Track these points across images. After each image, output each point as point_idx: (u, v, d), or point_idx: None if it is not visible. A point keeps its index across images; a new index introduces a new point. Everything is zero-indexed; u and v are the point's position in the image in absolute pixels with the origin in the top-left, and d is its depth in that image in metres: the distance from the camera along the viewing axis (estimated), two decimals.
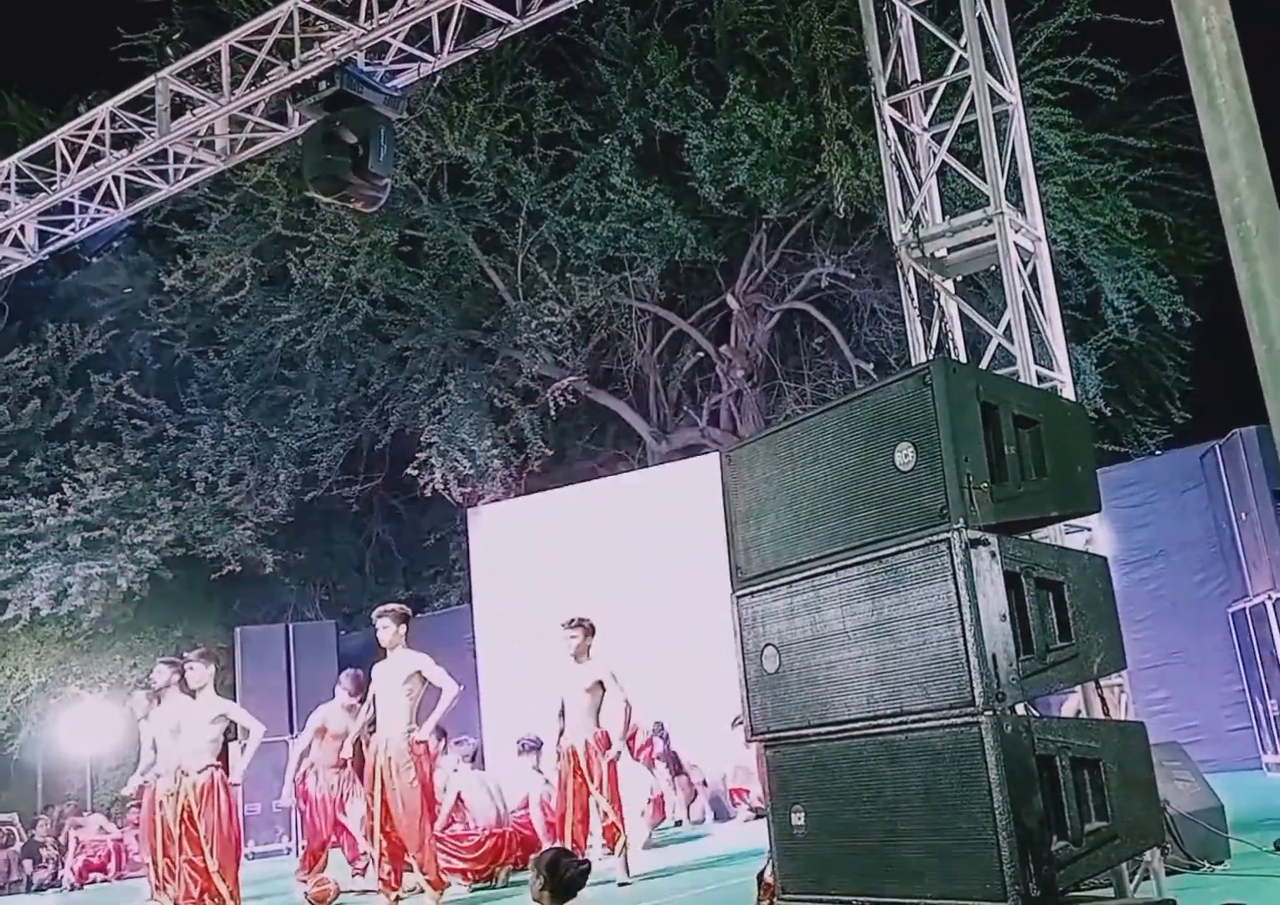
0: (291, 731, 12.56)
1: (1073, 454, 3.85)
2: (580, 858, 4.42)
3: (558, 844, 6.75)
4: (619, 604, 11.07)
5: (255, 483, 14.46)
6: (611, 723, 7.59)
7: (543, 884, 4.09)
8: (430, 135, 12.43)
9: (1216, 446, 9.81)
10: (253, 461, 14.48)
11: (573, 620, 7.59)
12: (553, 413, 13.70)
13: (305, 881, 8.13)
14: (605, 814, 7.32)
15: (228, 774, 7.63)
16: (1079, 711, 4.75)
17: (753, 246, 13.85)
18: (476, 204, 13.25)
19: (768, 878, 5.30)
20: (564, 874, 4.11)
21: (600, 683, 7.50)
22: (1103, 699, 4.33)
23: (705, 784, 11.15)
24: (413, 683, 7.04)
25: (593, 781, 7.31)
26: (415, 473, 13.64)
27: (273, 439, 14.42)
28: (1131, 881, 4.30)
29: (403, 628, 7.15)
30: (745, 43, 12.05)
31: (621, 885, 7.10)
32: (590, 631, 7.59)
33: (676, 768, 11.03)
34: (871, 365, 13.32)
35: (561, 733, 7.53)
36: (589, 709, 7.49)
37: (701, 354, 14.56)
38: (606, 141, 12.30)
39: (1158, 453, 12.74)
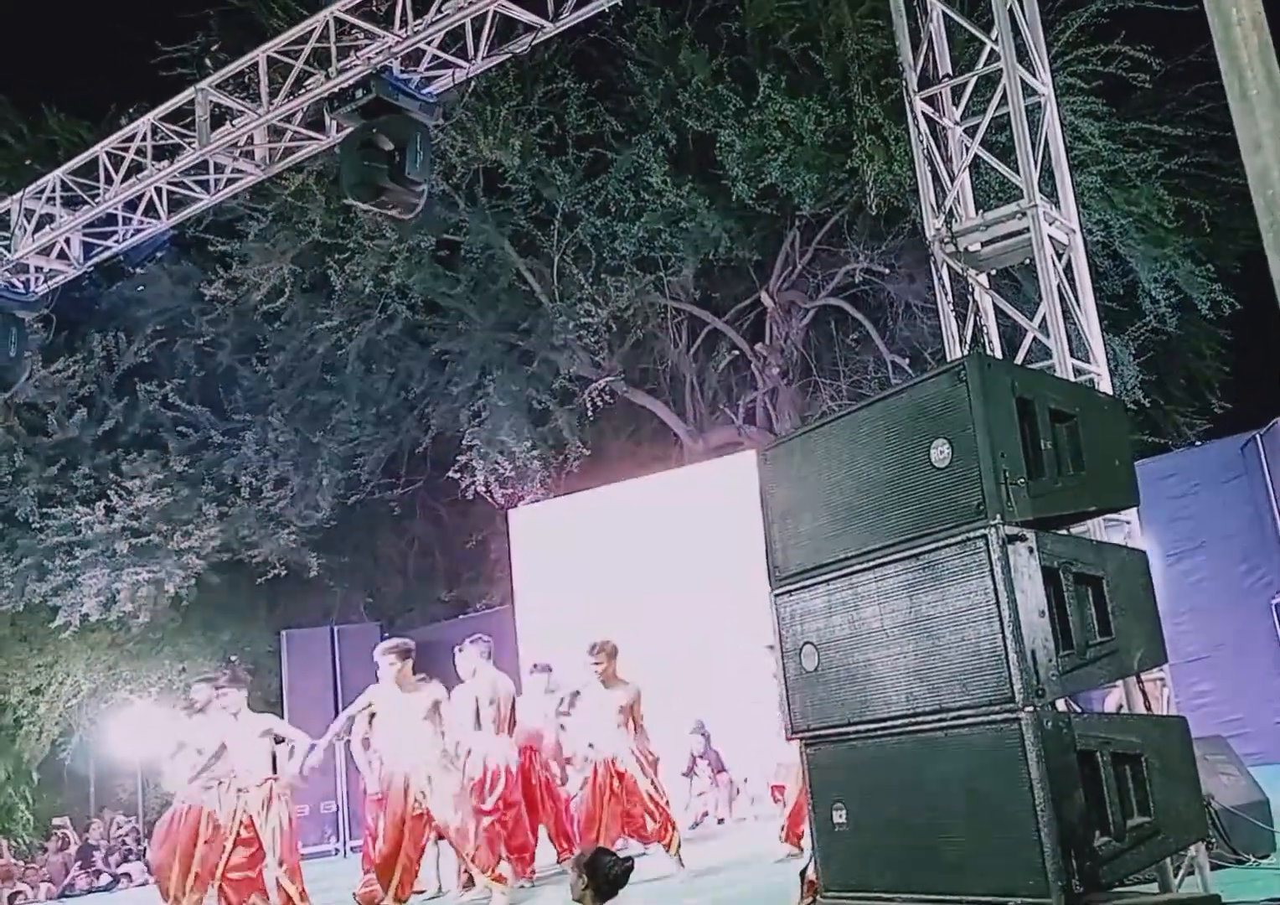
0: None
1: (1110, 448, 3.84)
2: (624, 857, 4.43)
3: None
4: (657, 601, 11.12)
5: (299, 487, 14.61)
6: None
7: (585, 883, 4.05)
8: (465, 140, 12.51)
9: (1257, 436, 9.70)
10: (296, 466, 14.62)
11: (594, 646, 7.64)
12: (590, 413, 13.75)
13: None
14: (654, 814, 7.42)
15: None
16: (1121, 707, 4.73)
17: (786, 243, 13.83)
18: (512, 207, 13.32)
19: (810, 875, 5.31)
20: (607, 873, 4.06)
21: (630, 706, 7.60)
22: (1144, 693, 4.31)
23: (746, 781, 11.15)
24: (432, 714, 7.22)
25: (641, 785, 7.41)
26: (456, 475, 13.75)
27: (315, 444, 14.56)
28: (1176, 876, 4.28)
29: (408, 663, 7.29)
30: (776, 39, 12.03)
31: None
32: (613, 654, 7.66)
33: (718, 766, 11.05)
34: (907, 360, 13.26)
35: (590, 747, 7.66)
36: (623, 724, 7.57)
37: (737, 352, 14.56)
38: (639, 142, 12.33)
39: (1198, 443, 12.59)
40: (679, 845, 7.48)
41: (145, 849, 12.92)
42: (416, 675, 7.47)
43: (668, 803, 7.57)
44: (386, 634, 14.70)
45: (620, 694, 7.59)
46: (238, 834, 7.46)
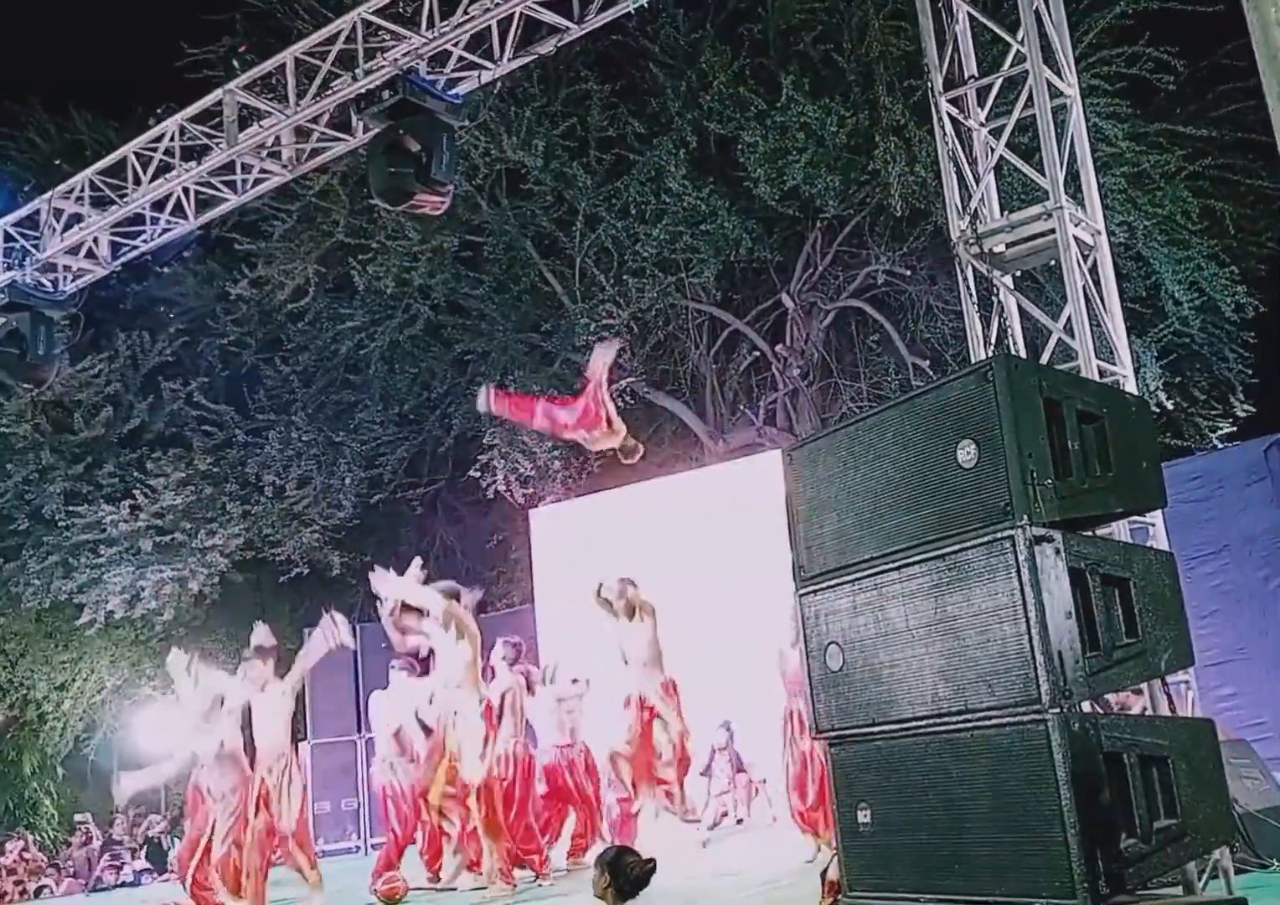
0: (359, 730, 12.75)
1: (1137, 449, 3.84)
2: (645, 857, 4.46)
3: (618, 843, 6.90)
4: (677, 602, 11.09)
5: (322, 486, 14.69)
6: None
7: (607, 882, 4.07)
8: (489, 141, 12.56)
9: None
10: (319, 465, 14.70)
11: (602, 585, 8.15)
12: None
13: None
14: (677, 745, 7.59)
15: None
16: (1144, 710, 4.72)
17: (808, 245, 13.83)
18: (534, 208, 13.36)
19: (831, 875, 5.32)
20: (629, 872, 4.08)
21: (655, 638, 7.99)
22: (1169, 696, 4.30)
23: (765, 782, 11.15)
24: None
25: (667, 720, 7.72)
26: (478, 475, 13.81)
27: (338, 443, 14.64)
28: (1200, 880, 4.27)
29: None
30: (799, 41, 12.03)
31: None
32: (632, 582, 8.15)
33: (738, 765, 11.06)
34: (927, 362, 13.24)
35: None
36: (654, 660, 7.91)
37: (757, 353, 14.56)
38: (661, 144, 12.36)
39: (1221, 446, 12.53)
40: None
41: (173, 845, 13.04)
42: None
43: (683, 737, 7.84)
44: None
45: (647, 623, 7.96)
46: (255, 807, 7.50)
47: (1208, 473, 10.12)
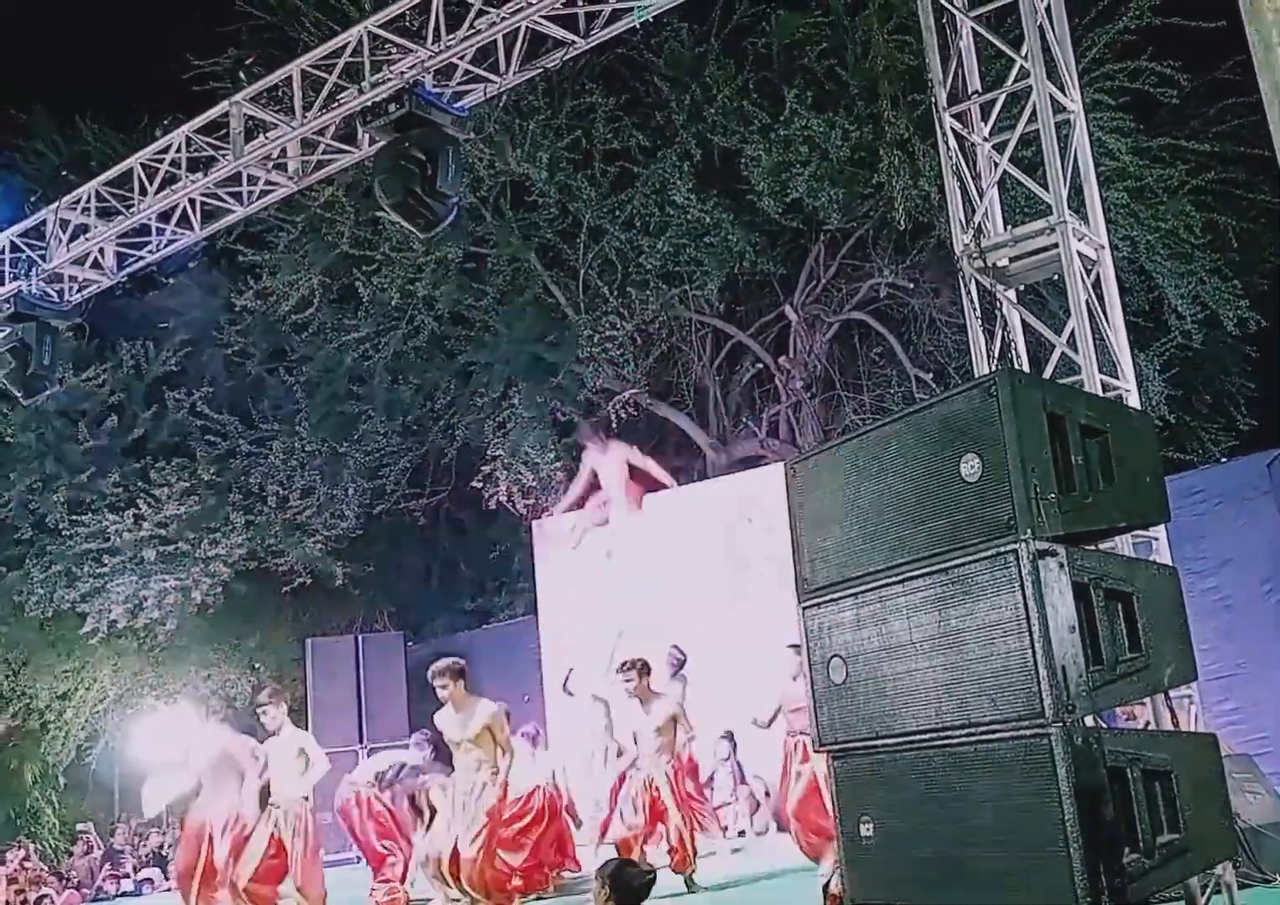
0: (361, 741, 12.76)
1: (1141, 463, 3.84)
2: (646, 867, 4.46)
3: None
4: (680, 613, 11.12)
5: (325, 497, 14.70)
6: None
7: (607, 894, 4.11)
8: (493, 153, 12.61)
9: None
10: (323, 476, 14.71)
11: (624, 664, 7.81)
12: (614, 425, 13.80)
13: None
14: (679, 837, 7.46)
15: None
16: (1148, 723, 4.72)
17: (811, 257, 13.86)
18: (539, 220, 13.39)
19: (833, 888, 5.32)
20: (630, 884, 4.12)
21: (673, 718, 7.69)
22: (1172, 710, 4.30)
23: (768, 795, 11.13)
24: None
25: (675, 807, 7.48)
26: (480, 485, 13.82)
27: (342, 454, 14.65)
28: (1203, 895, 4.26)
29: (461, 683, 7.27)
30: (803, 55, 12.06)
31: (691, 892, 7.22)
32: (645, 670, 7.78)
33: (739, 778, 11.04)
34: (930, 375, 13.25)
35: (634, 764, 7.78)
36: (664, 746, 7.67)
37: (761, 365, 14.58)
38: (665, 157, 12.40)
39: (1223, 460, 12.52)
40: (693, 871, 7.56)
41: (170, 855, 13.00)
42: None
43: (695, 829, 7.62)
44: (411, 642, 14.80)
45: (658, 710, 7.67)
46: (265, 850, 7.44)
47: (1210, 487, 10.13)
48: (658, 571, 11.63)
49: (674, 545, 11.68)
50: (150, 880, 13.17)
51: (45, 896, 12.83)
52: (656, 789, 7.55)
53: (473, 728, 7.03)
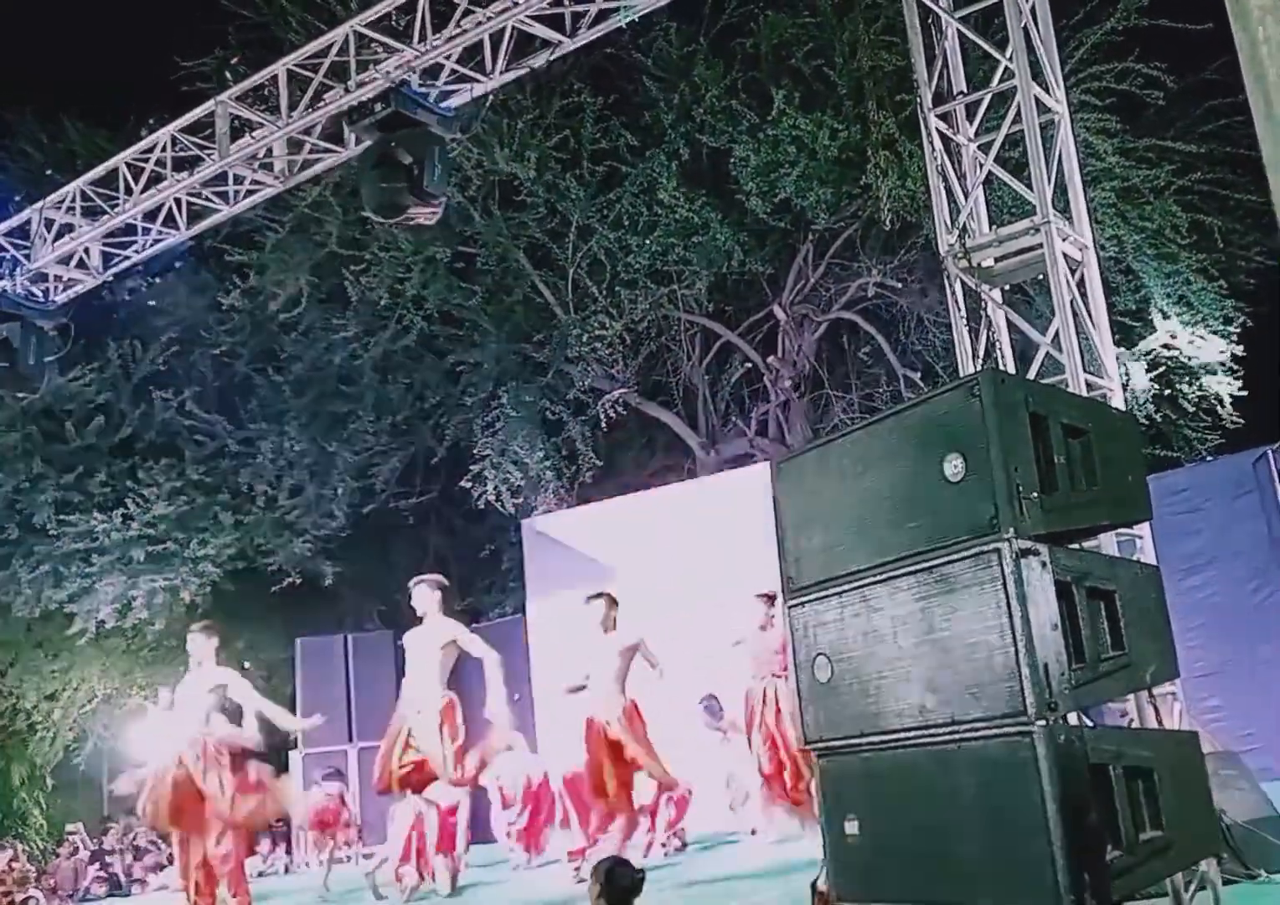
0: (350, 740, 12.74)
1: (1123, 462, 3.86)
2: (637, 868, 4.53)
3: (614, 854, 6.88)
4: (669, 613, 11.13)
5: (314, 496, 14.69)
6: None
7: (599, 891, 4.25)
8: (481, 152, 12.61)
9: (1269, 452, 9.69)
10: (312, 475, 14.70)
11: (594, 594, 7.96)
12: (603, 424, 13.81)
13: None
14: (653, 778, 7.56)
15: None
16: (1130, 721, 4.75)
17: (799, 257, 13.90)
18: (527, 220, 13.40)
19: (821, 886, 5.34)
20: (620, 882, 4.26)
21: (633, 647, 7.75)
22: (1155, 708, 4.33)
23: (748, 797, 11.12)
24: (447, 650, 7.42)
25: (627, 748, 7.47)
26: (469, 485, 13.82)
27: (331, 453, 14.64)
28: (1188, 892, 4.29)
29: (438, 594, 7.41)
30: (791, 56, 12.10)
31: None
32: (613, 603, 7.90)
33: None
34: (919, 374, 13.30)
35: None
36: (618, 674, 7.69)
37: (749, 365, 14.62)
38: (653, 156, 12.42)
39: (1209, 458, 12.57)
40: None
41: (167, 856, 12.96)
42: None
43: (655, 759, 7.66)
44: (400, 641, 14.76)
45: (620, 639, 7.80)
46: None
47: (1195, 485, 10.18)
48: (645, 569, 11.63)
49: (662, 544, 11.70)
50: (142, 880, 13.13)
51: (31, 898, 12.79)
52: (606, 724, 7.54)
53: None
